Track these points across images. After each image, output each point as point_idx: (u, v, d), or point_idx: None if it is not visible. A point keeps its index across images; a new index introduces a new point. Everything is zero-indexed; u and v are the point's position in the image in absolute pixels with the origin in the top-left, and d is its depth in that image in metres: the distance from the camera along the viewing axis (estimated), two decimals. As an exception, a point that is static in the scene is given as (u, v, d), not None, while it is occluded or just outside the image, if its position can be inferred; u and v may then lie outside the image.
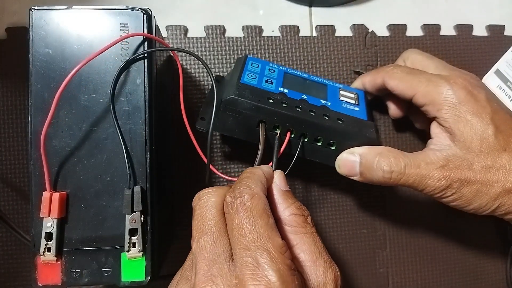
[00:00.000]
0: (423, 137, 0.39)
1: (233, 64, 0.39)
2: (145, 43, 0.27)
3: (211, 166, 0.31)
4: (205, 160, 0.30)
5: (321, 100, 0.33)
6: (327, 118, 0.31)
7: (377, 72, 0.34)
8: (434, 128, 0.32)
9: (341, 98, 0.34)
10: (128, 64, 0.26)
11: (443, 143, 0.30)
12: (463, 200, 0.29)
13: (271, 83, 0.32)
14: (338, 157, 0.32)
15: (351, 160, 0.31)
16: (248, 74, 0.32)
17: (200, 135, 0.31)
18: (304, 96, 0.32)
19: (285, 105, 0.30)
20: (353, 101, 0.34)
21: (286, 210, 0.25)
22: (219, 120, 0.30)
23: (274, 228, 0.23)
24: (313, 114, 0.30)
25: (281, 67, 0.35)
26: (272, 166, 0.28)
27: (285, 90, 0.32)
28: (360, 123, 0.32)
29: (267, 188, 0.25)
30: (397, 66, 0.34)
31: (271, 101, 0.30)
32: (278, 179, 0.26)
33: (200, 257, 0.22)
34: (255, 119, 0.30)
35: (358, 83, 0.36)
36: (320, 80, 0.36)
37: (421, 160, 0.29)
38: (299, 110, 0.30)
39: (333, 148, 0.31)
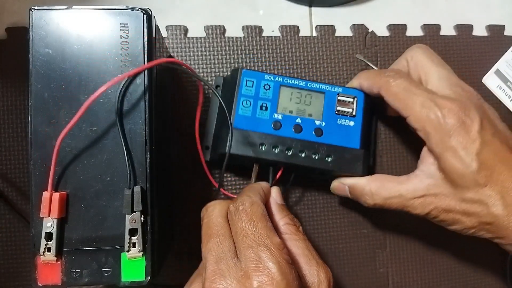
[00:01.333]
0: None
1: (233, 65, 0.39)
2: (145, 44, 0.27)
3: (222, 190, 0.37)
4: (216, 185, 0.36)
5: (316, 122, 0.34)
6: (316, 158, 0.33)
7: (376, 78, 0.33)
8: (424, 152, 0.32)
9: (338, 108, 0.35)
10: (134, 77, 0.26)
11: (429, 169, 0.31)
12: (443, 223, 0.31)
13: (266, 108, 0.34)
14: (331, 185, 0.36)
15: (342, 188, 0.35)
16: (242, 102, 0.34)
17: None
18: (298, 120, 0.34)
19: (276, 151, 0.33)
20: (349, 110, 0.35)
21: (281, 220, 0.30)
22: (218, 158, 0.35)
23: (272, 229, 0.26)
24: (303, 156, 0.33)
25: (277, 78, 0.35)
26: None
27: (279, 117, 0.34)
28: (350, 154, 0.34)
29: (265, 200, 0.29)
30: (396, 75, 0.32)
31: (264, 147, 0.33)
32: (275, 194, 0.32)
33: (209, 257, 0.26)
34: (249, 163, 0.34)
35: (355, 83, 0.35)
36: (318, 87, 0.35)
37: (404, 189, 0.31)
38: (289, 154, 0.33)
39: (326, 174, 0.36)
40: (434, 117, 0.29)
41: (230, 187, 0.38)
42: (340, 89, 0.35)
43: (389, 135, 0.40)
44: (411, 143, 0.40)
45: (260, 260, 0.24)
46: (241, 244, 0.25)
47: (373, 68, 0.39)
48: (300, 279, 0.26)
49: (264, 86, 0.34)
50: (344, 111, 0.35)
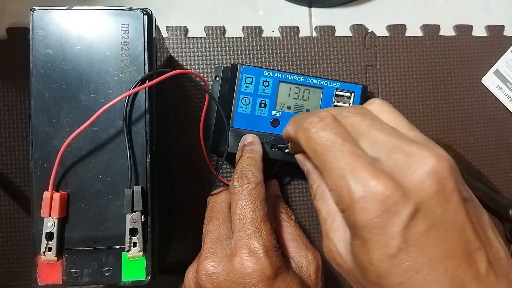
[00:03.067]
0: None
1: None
2: (146, 44, 0.27)
3: (219, 177, 0.38)
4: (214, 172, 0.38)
5: None
6: None
7: (298, 123, 0.23)
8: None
9: (335, 103, 0.35)
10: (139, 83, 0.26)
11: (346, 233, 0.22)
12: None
13: (264, 106, 0.35)
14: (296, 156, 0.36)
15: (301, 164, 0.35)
16: (242, 100, 0.35)
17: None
18: None
19: (274, 149, 0.35)
20: (346, 105, 0.35)
21: (276, 208, 0.32)
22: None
23: (267, 214, 0.28)
24: None
25: (276, 74, 0.35)
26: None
27: (278, 114, 0.35)
28: None
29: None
30: (319, 123, 0.22)
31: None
32: (273, 185, 0.35)
33: (207, 237, 0.29)
34: None
35: (285, 131, 0.26)
36: (316, 82, 0.35)
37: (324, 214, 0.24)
38: (286, 152, 0.34)
39: None
40: (347, 195, 0.20)
41: (228, 178, 0.38)
42: (338, 84, 0.36)
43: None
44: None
45: (249, 239, 0.27)
46: (237, 222, 0.28)
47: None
48: (289, 262, 0.29)
49: (263, 83, 0.35)
50: (341, 104, 0.35)
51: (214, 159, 0.38)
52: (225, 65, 0.38)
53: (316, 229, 0.39)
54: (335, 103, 0.35)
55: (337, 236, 0.22)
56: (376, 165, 0.20)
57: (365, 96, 0.36)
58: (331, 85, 0.36)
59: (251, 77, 0.35)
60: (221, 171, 0.38)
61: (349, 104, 0.35)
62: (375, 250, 0.19)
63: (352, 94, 0.35)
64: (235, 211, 0.28)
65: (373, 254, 0.20)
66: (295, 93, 0.35)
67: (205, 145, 0.37)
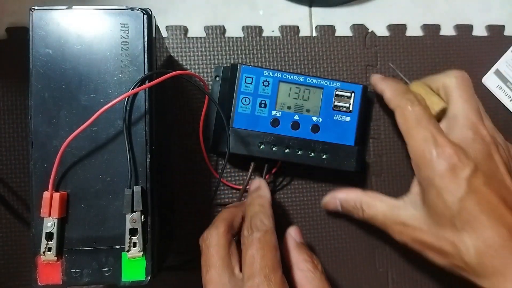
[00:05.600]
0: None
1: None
2: (145, 44, 0.27)
3: (222, 180, 0.38)
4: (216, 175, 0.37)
5: (313, 118, 0.35)
6: (312, 155, 0.35)
7: (398, 96, 0.33)
8: (414, 181, 0.33)
9: (335, 103, 0.35)
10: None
11: (415, 199, 0.32)
12: (422, 256, 0.32)
13: (264, 106, 0.35)
14: (322, 200, 0.38)
15: (333, 203, 0.36)
16: (242, 100, 0.34)
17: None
18: (296, 117, 0.35)
19: (274, 149, 0.34)
20: (347, 105, 0.35)
21: (300, 256, 0.30)
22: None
23: (279, 262, 0.27)
24: (299, 154, 0.35)
25: (276, 74, 0.35)
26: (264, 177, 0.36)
27: (278, 114, 0.35)
28: (344, 151, 0.35)
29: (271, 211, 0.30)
30: (415, 102, 0.32)
31: (262, 146, 0.34)
32: (294, 233, 0.32)
33: (209, 287, 0.27)
34: (248, 159, 0.35)
35: (379, 88, 0.35)
36: (316, 82, 0.35)
37: (389, 213, 0.33)
38: (286, 152, 0.34)
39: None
40: (428, 154, 0.30)
41: (229, 178, 0.38)
42: (338, 84, 0.36)
43: (389, 135, 0.40)
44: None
45: None
46: (246, 271, 0.26)
47: (402, 78, 0.39)
48: None
49: (263, 83, 0.35)
50: (341, 106, 0.35)
51: (213, 159, 0.38)
52: (225, 65, 0.38)
53: (316, 229, 0.39)
54: (335, 103, 0.35)
55: (407, 215, 0.32)
56: (449, 137, 0.30)
57: (366, 96, 0.36)
58: (331, 85, 0.35)
59: (251, 77, 0.35)
60: (218, 170, 0.38)
61: (350, 104, 0.35)
62: (448, 195, 0.29)
63: (353, 94, 0.35)
64: (245, 260, 0.27)
65: (447, 198, 0.29)
66: (295, 93, 0.35)
67: (205, 145, 0.37)
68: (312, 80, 0.35)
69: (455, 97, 0.32)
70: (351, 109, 0.35)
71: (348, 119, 0.35)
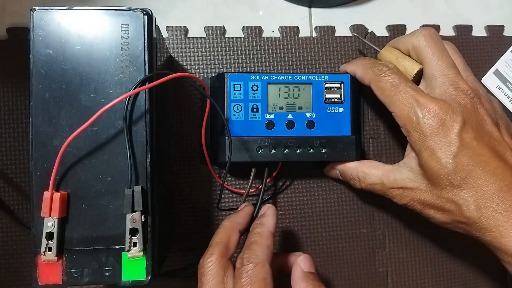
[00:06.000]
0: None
1: (233, 65, 0.39)
2: (146, 45, 0.27)
3: (225, 185, 0.38)
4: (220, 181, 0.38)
5: (306, 114, 0.35)
6: (311, 151, 0.35)
7: (368, 70, 0.33)
8: (408, 146, 0.32)
9: (326, 96, 0.35)
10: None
11: (410, 163, 0.32)
12: (423, 215, 0.32)
13: (257, 110, 0.35)
14: (324, 168, 0.38)
15: (334, 172, 0.37)
16: (234, 108, 0.34)
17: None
18: (290, 116, 0.35)
19: (273, 151, 0.34)
20: (337, 96, 0.35)
21: (308, 286, 0.29)
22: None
23: None
24: (298, 152, 0.35)
25: (263, 77, 0.35)
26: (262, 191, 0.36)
27: (271, 116, 0.35)
28: (343, 142, 0.35)
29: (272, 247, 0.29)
30: (388, 71, 0.32)
31: (261, 150, 0.34)
32: (302, 263, 0.30)
33: None
34: (248, 165, 0.36)
35: (350, 69, 0.35)
36: (304, 78, 0.35)
37: (386, 178, 0.33)
38: (286, 152, 0.35)
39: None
40: (414, 116, 0.30)
41: (232, 182, 0.38)
42: (326, 77, 0.36)
43: (388, 135, 0.40)
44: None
45: None
46: None
47: (372, 47, 0.38)
48: None
49: (252, 87, 0.35)
50: (333, 98, 0.35)
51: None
52: (211, 75, 0.38)
53: (316, 229, 0.39)
54: (326, 96, 0.35)
55: (403, 179, 0.32)
56: (431, 95, 0.30)
57: (355, 85, 0.36)
58: (319, 79, 0.35)
59: (239, 84, 0.35)
60: (218, 170, 0.38)
61: (340, 95, 0.35)
62: (441, 153, 0.29)
63: (342, 84, 0.36)
64: None
65: (441, 157, 0.29)
66: (285, 92, 0.35)
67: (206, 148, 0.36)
68: (299, 77, 0.35)
69: (427, 56, 0.31)
70: (342, 99, 0.35)
71: (341, 110, 0.36)
